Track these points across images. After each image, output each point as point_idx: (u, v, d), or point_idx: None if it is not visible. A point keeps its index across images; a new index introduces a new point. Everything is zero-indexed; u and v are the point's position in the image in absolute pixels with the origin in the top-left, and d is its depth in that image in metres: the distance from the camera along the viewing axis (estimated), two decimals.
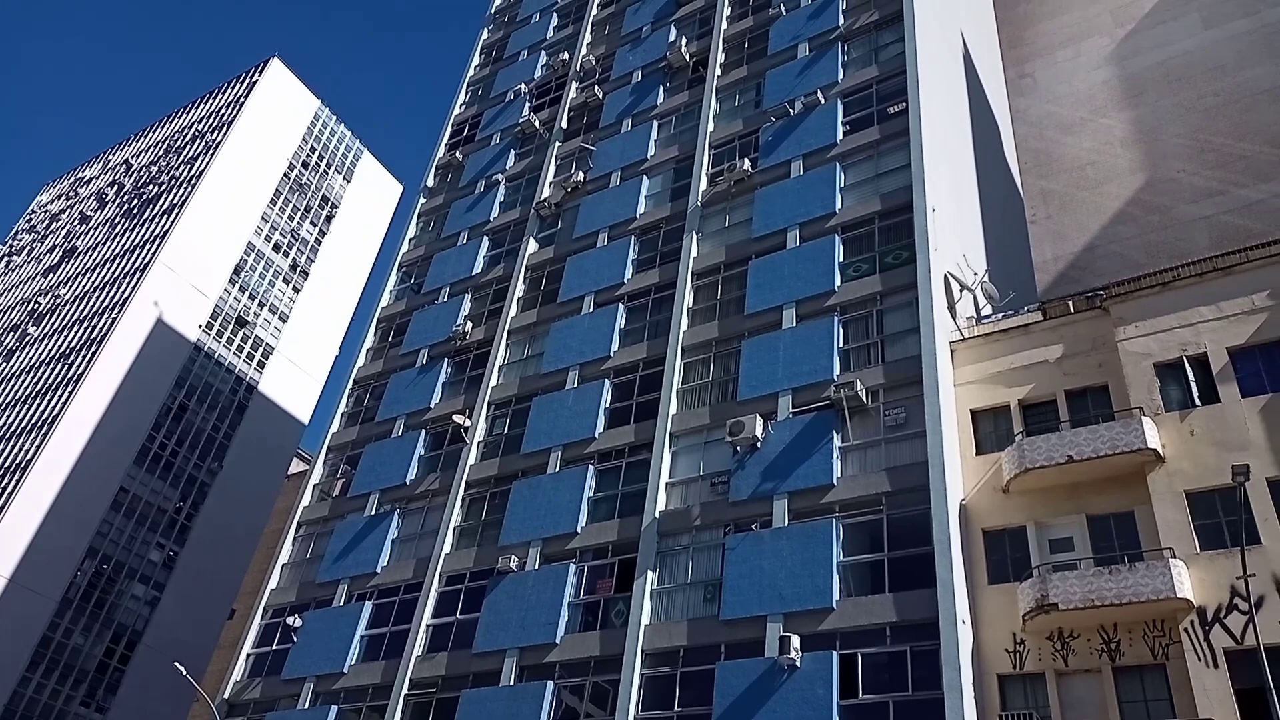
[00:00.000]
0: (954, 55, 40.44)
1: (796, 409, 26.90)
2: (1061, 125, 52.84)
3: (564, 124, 43.87)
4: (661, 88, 40.99)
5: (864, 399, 25.73)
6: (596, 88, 43.62)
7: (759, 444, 26.58)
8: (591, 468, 30.00)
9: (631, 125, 40.65)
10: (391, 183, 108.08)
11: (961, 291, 28.89)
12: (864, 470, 24.96)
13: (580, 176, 39.80)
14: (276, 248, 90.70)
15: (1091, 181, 49.75)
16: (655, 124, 39.68)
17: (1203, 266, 25.32)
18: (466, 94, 52.24)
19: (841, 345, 27.59)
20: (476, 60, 54.00)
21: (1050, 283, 46.31)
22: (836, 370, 26.92)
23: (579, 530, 28.74)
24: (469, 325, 38.11)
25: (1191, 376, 22.82)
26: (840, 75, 34.46)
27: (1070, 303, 27.29)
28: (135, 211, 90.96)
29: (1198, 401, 22.41)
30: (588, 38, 47.82)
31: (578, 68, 45.97)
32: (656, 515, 27.41)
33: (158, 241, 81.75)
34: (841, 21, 36.19)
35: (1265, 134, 45.54)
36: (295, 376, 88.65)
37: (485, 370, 36.05)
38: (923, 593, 21.95)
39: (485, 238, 41.93)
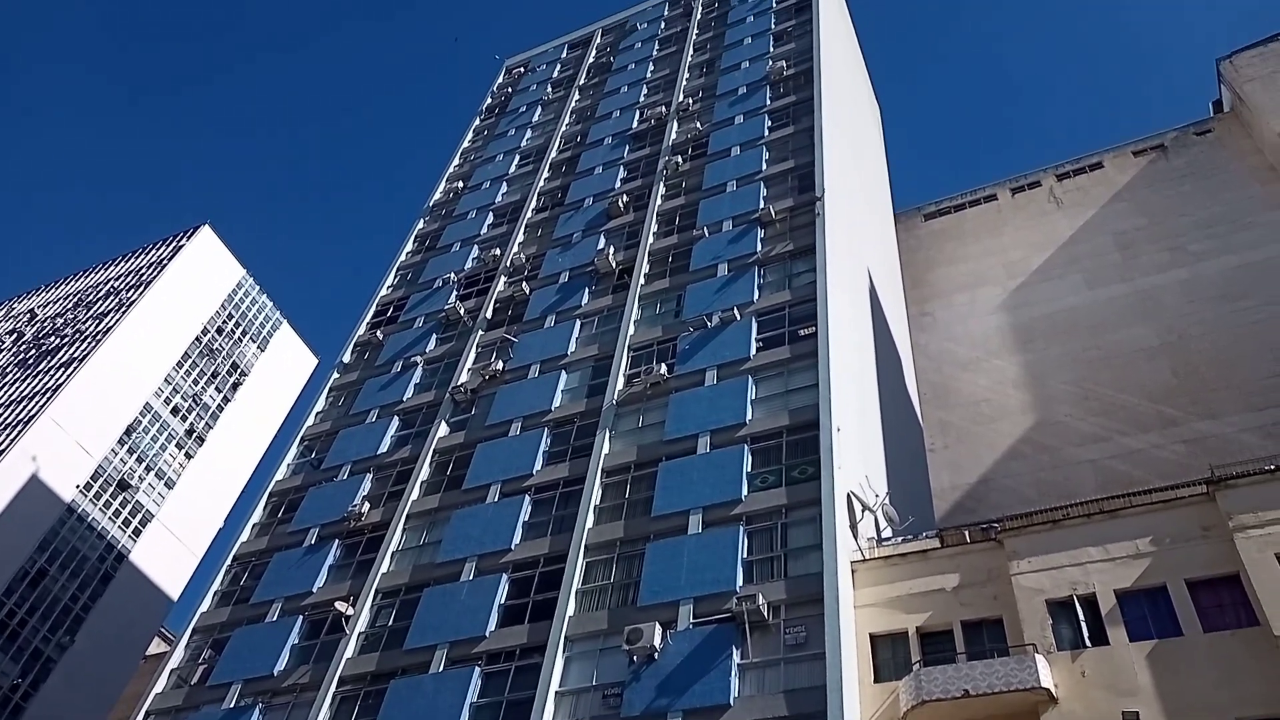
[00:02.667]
0: (861, 288, 43.22)
1: (697, 619, 26.20)
2: (959, 362, 56.18)
3: (489, 314, 44.70)
4: (587, 290, 42.43)
5: (765, 614, 25.26)
6: (524, 283, 44.91)
7: (656, 654, 25.59)
8: (479, 669, 28.29)
9: (555, 321, 41.64)
10: (307, 355, 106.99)
11: (863, 512, 29.33)
12: (762, 691, 24.11)
13: (499, 365, 40.14)
14: (175, 411, 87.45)
15: (986, 417, 52.36)
16: (578, 323, 40.73)
17: (1089, 508, 26.38)
18: (395, 277, 53.14)
19: (746, 556, 27.37)
20: (409, 247, 55.37)
21: (947, 510, 47.53)
22: (740, 582, 26.55)
23: None
24: (366, 506, 36.78)
25: (1082, 616, 23.17)
26: (756, 296, 36.30)
27: (966, 533, 27.91)
28: (30, 362, 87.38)
29: (1088, 642, 22.64)
30: (520, 237, 49.74)
31: (508, 263, 47.46)
32: None
33: (48, 395, 78.03)
34: (759, 248, 38.55)
35: (1143, 388, 49.12)
36: (172, 548, 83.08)
37: (377, 555, 34.47)
38: None
39: (396, 417, 41.36)
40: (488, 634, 29.15)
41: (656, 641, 25.63)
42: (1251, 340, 48.24)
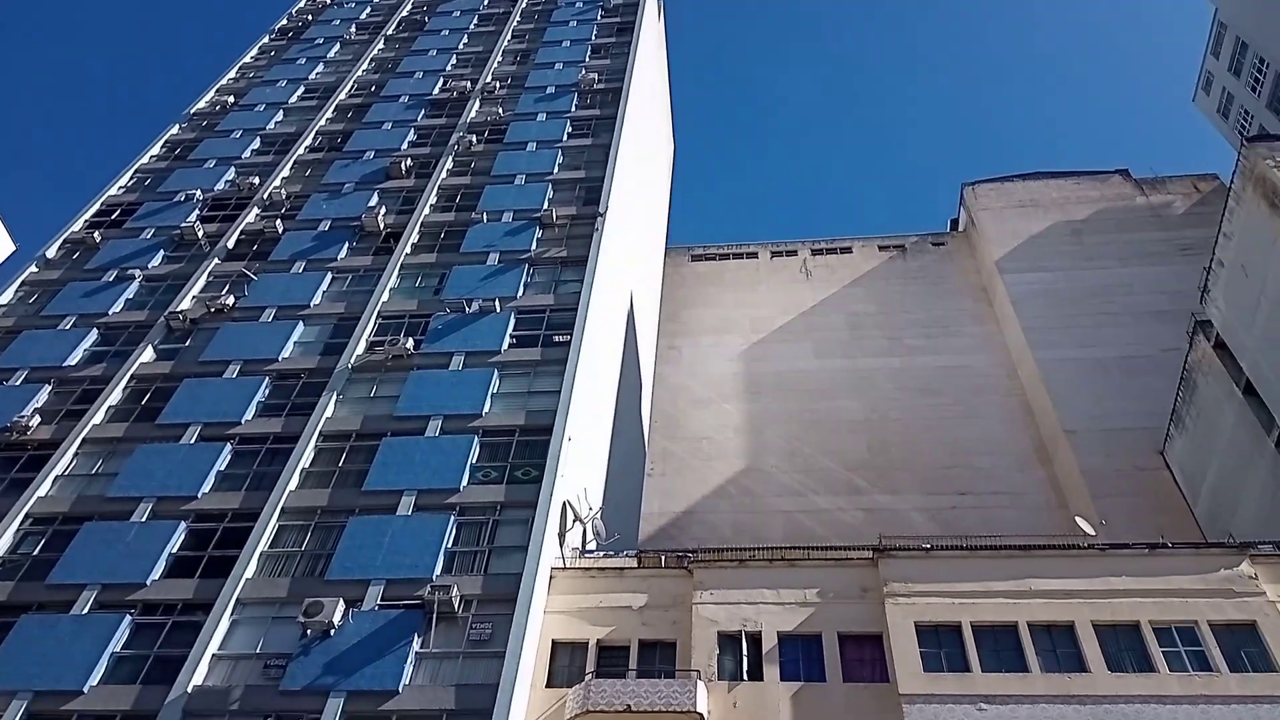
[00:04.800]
0: (621, 309, 44.44)
1: (385, 602, 25.51)
2: (693, 399, 59.15)
3: (231, 244, 41.39)
4: (347, 244, 40.45)
5: (456, 607, 25.06)
6: (279, 221, 42.06)
7: (333, 631, 24.60)
8: (130, 617, 25.82)
9: (304, 269, 39.27)
10: (3, 239, 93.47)
11: (574, 522, 29.97)
12: (434, 682, 23.84)
13: (230, 300, 37.20)
14: None
15: (705, 455, 55.43)
16: (329, 276, 38.69)
17: (773, 554, 28.55)
18: (131, 178, 47.91)
19: (450, 546, 27.06)
20: (156, 150, 50.19)
21: (651, 534, 49.69)
22: (438, 570, 26.18)
23: (87, 689, 24.13)
24: (36, 419, 32.62)
25: (746, 651, 24.98)
26: (520, 292, 36.27)
27: (663, 558, 29.25)
28: None
29: (746, 676, 24.43)
30: (286, 172, 46.58)
31: (265, 195, 44.26)
32: (189, 689, 23.87)
33: None
34: (534, 247, 38.61)
35: (841, 456, 54.11)
36: None
37: (38, 476, 30.63)
38: None
39: (95, 330, 37.12)
40: (149, 582, 26.72)
41: (337, 618, 24.67)
42: (937, 433, 54.64)
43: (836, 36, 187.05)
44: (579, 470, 31.70)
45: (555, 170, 43.81)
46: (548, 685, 24.57)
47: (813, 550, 28.74)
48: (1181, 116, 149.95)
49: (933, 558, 26.28)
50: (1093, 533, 29.07)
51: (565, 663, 25.26)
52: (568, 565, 28.00)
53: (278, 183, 45.57)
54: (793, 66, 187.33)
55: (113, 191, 46.57)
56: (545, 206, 41.00)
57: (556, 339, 33.84)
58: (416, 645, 24.45)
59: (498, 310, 35.33)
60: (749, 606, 25.82)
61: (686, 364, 61.75)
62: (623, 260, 44.47)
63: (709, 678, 24.16)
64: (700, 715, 22.95)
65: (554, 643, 25.63)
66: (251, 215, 43.25)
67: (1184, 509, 45.18)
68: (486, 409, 31.31)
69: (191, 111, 53.80)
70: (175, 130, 51.97)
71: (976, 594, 25.06)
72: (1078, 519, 32.59)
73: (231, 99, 54.65)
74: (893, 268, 67.56)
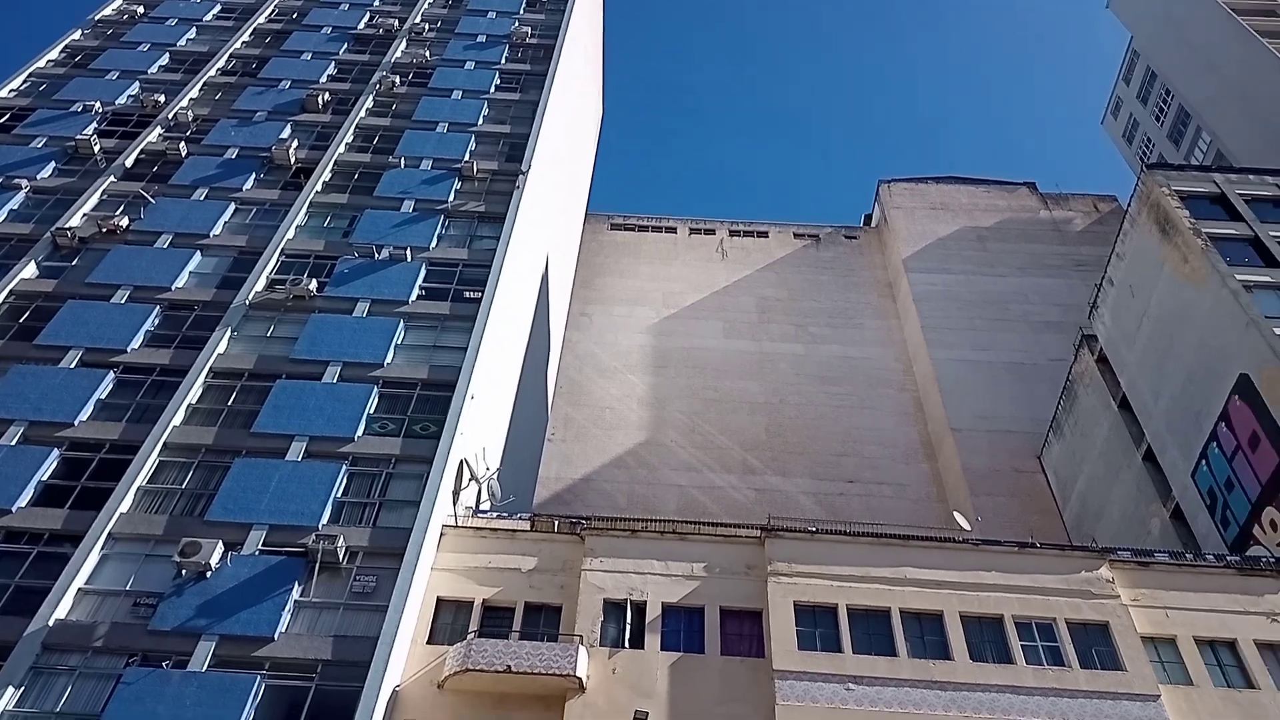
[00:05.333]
0: (536, 271, 44.02)
1: (267, 547, 24.87)
2: (600, 368, 59.24)
3: (129, 162, 39.21)
4: (254, 175, 38.81)
5: (340, 557, 24.62)
6: (183, 144, 40.04)
7: (209, 574, 23.88)
8: None
9: (206, 196, 37.55)
10: None
11: (470, 481, 29.74)
12: (312, 631, 23.43)
13: (124, 222, 35.32)
14: None
15: (607, 424, 55.69)
16: (233, 206, 37.10)
17: (665, 527, 28.95)
18: (25, 81, 44.80)
19: (340, 495, 26.51)
20: (54, 55, 47.02)
21: (546, 498, 49.77)
22: (325, 519, 25.63)
23: None
24: None
25: (630, 620, 25.33)
26: (433, 244, 35.51)
27: (556, 522, 29.34)
28: None
29: (627, 644, 24.78)
30: (195, 93, 44.32)
31: (170, 115, 42.04)
32: (50, 622, 22.87)
33: None
34: (451, 199, 37.81)
35: (739, 435, 55.12)
36: None
37: None
38: None
39: None
40: (15, 509, 25.39)
41: (214, 560, 23.95)
42: (832, 421, 56.17)
43: (765, 27, 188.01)
44: (479, 429, 31.42)
45: (480, 122, 42.91)
46: (429, 642, 24.44)
47: (704, 525, 29.25)
48: (1092, 136, 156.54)
49: (817, 541, 27.09)
50: (968, 528, 30.40)
51: (449, 620, 25.16)
52: (459, 524, 27.80)
53: (185, 103, 43.32)
54: (729, 47, 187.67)
55: (1, 94, 43.47)
56: (466, 158, 40.14)
57: (467, 294, 33.31)
58: (296, 593, 23.96)
59: (409, 260, 34.53)
60: (637, 576, 26.16)
61: (596, 332, 61.74)
62: (541, 221, 44.00)
63: (591, 644, 24.43)
64: (579, 680, 23.21)
65: (439, 600, 25.47)
66: (154, 134, 41.04)
67: (1054, 512, 47.70)
68: (389, 359, 30.68)
69: (97, 18, 50.52)
70: (77, 36, 48.75)
71: (855, 579, 25.96)
72: (956, 514, 34.05)
73: (140, 9, 51.53)
74: (805, 256, 68.78)
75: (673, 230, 70.70)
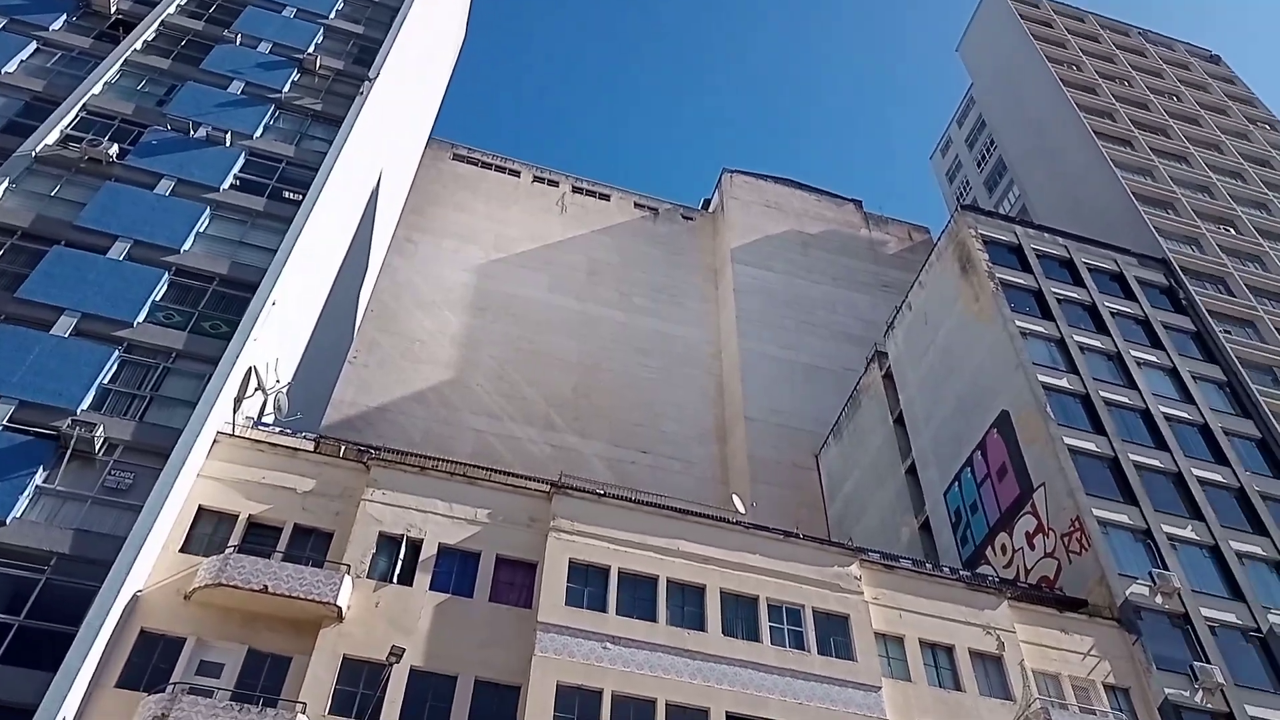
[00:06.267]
0: (366, 185, 42.04)
1: (13, 424, 22.68)
2: (417, 298, 57.56)
3: None
4: (66, 17, 34.76)
5: (96, 448, 22.82)
6: None
7: None
8: None
9: (3, 27, 33.25)
10: None
11: (256, 390, 28.22)
12: (50, 522, 21.64)
13: None
14: None
15: (414, 356, 54.31)
16: (34, 45, 33.11)
17: (456, 468, 28.71)
18: None
19: (106, 382, 24.48)
20: None
21: (337, 421, 48.01)
22: (85, 405, 23.62)
23: None
24: None
25: (403, 556, 24.98)
26: (259, 133, 33.18)
27: (342, 447, 28.41)
28: None
29: (396, 579, 24.46)
30: None
31: None
32: None
33: None
34: (286, 90, 35.39)
35: (546, 391, 55.29)
36: None
37: None
38: (40, 675, 19.08)
39: None
40: None
41: None
42: (638, 391, 57.40)
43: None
44: (276, 338, 29.83)
45: (332, 15, 40.30)
46: (182, 550, 23.14)
47: (495, 473, 29.23)
48: (921, 168, 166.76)
49: (602, 504, 27.71)
50: (743, 511, 32.03)
51: (208, 531, 23.91)
52: (236, 433, 26.38)
53: None
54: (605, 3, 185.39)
55: None
56: (311, 50, 37.62)
57: (287, 194, 31.41)
58: (40, 478, 22.07)
59: (227, 144, 32.10)
60: (418, 514, 25.81)
61: (420, 262, 59.87)
62: (380, 134, 42.00)
63: (359, 575, 23.93)
64: (339, 609, 22.70)
65: (201, 508, 24.14)
66: None
67: (821, 508, 51.05)
68: (187, 246, 28.51)
69: None
70: None
71: (631, 544, 26.79)
72: (734, 496, 35.81)
73: None
74: (642, 227, 69.52)
75: (516, 174, 69.44)
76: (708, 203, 75.31)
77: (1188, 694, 28.21)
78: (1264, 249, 49.87)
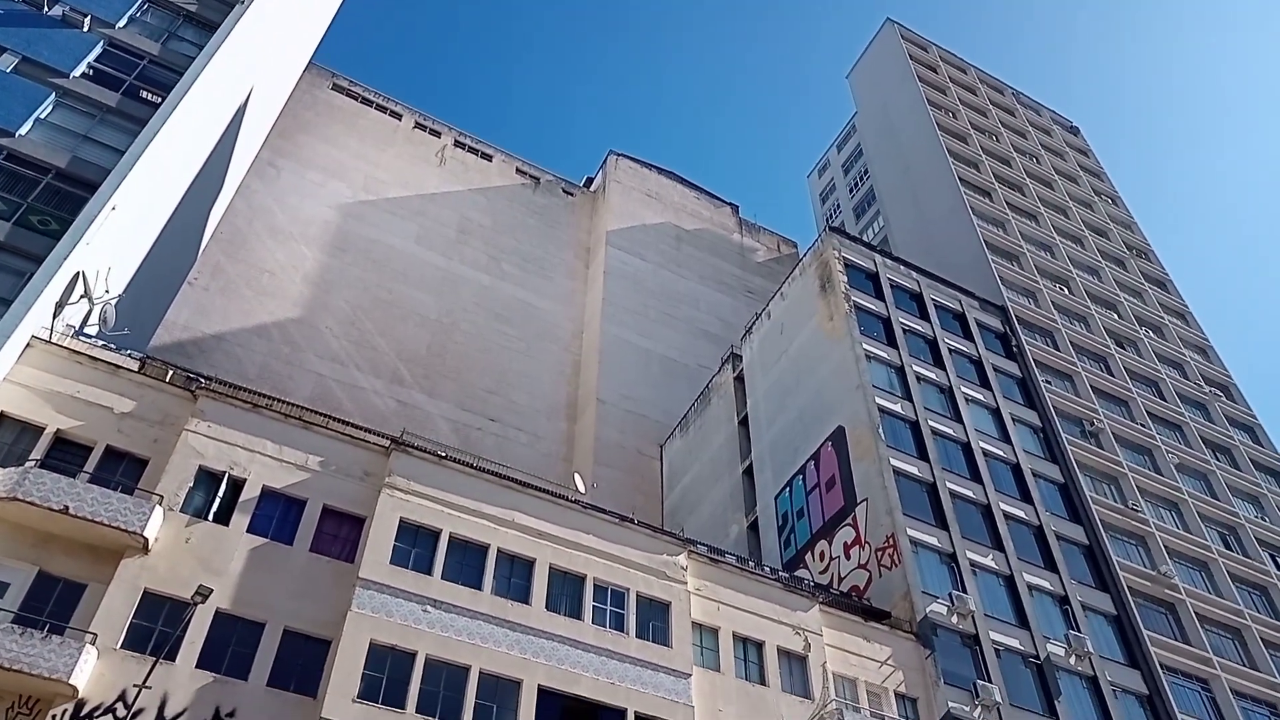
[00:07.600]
0: (233, 101, 39.45)
1: None
2: (272, 227, 54.63)
3: None
4: None
5: None
6: None
7: None
8: None
9: None
10: None
11: (81, 298, 26.07)
12: None
13: None
14: None
15: (261, 288, 51.57)
16: None
17: (293, 410, 27.49)
18: None
19: None
20: None
21: (167, 344, 45.06)
22: None
23: None
24: None
25: (222, 494, 23.72)
26: (121, 23, 30.62)
27: (171, 372, 26.67)
28: None
29: (212, 518, 23.22)
30: None
31: None
32: None
33: None
34: None
35: (398, 344, 53.73)
36: None
37: None
38: None
39: None
40: None
41: None
42: (493, 358, 56.63)
43: None
44: (111, 246, 27.62)
45: None
46: None
47: (334, 421, 28.18)
48: (799, 183, 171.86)
49: (442, 466, 27.17)
50: (583, 491, 32.19)
51: (8, 441, 22.00)
52: (53, 340, 24.30)
53: None
54: None
55: None
56: None
57: (144, 94, 29.13)
58: None
59: (85, 29, 29.45)
60: (245, 452, 24.56)
61: (280, 189, 56.81)
62: (257, 48, 39.51)
63: (171, 507, 22.57)
64: (145, 540, 21.34)
65: (3, 414, 22.16)
66: None
67: (658, 497, 51.98)
68: (24, 131, 26.05)
69: None
70: None
71: (466, 510, 26.42)
72: (576, 475, 35.93)
73: None
74: (521, 194, 68.52)
75: (398, 116, 66.91)
76: (590, 181, 75.00)
77: (968, 709, 30.39)
78: (1091, 311, 54.14)
